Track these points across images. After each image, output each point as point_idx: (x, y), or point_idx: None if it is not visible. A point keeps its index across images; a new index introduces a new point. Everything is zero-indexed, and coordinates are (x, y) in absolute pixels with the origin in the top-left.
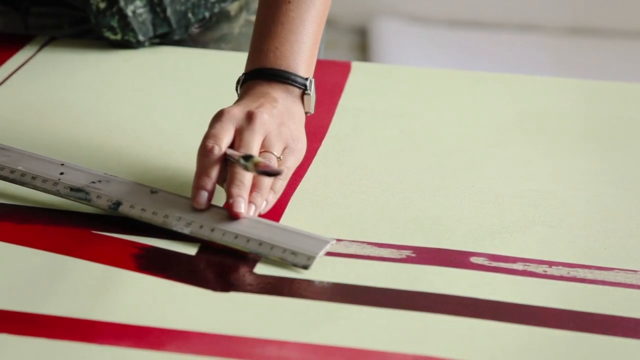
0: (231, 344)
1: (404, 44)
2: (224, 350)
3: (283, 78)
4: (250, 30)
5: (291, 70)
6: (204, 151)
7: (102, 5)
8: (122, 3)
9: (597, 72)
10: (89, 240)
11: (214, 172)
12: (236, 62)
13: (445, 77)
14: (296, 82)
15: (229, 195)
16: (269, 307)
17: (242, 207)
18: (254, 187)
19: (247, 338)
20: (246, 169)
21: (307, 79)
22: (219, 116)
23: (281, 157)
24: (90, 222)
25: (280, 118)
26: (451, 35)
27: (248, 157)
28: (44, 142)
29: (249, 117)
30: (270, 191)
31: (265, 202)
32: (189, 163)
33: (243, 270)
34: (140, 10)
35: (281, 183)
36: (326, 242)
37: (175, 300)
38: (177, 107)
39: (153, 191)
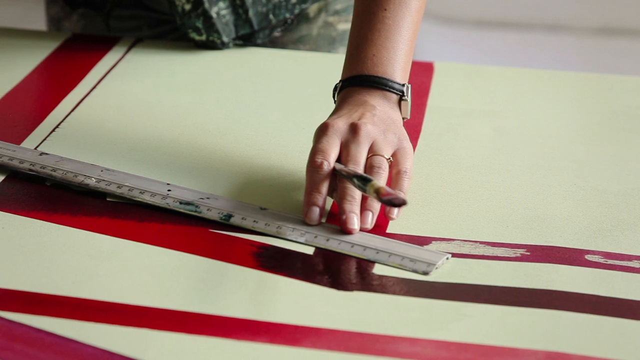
0: (364, 341)
1: (432, 44)
2: (357, 347)
3: (381, 85)
4: (328, 32)
5: (388, 77)
6: (314, 167)
7: (187, 6)
8: (206, 4)
9: (628, 73)
10: (207, 239)
11: (324, 188)
12: (317, 63)
13: (528, 76)
14: (394, 88)
15: (342, 211)
16: (393, 305)
17: (355, 223)
18: (364, 200)
19: (378, 335)
20: (363, 191)
21: (403, 85)
22: (324, 130)
23: (391, 158)
24: (206, 223)
25: (383, 125)
26: (479, 35)
27: (365, 180)
28: (143, 145)
29: (354, 129)
30: (399, 192)
31: (371, 215)
32: (290, 168)
33: (363, 270)
34: (223, 12)
35: (407, 183)
36: (443, 254)
37: (301, 298)
38: (267, 108)
39: (262, 208)
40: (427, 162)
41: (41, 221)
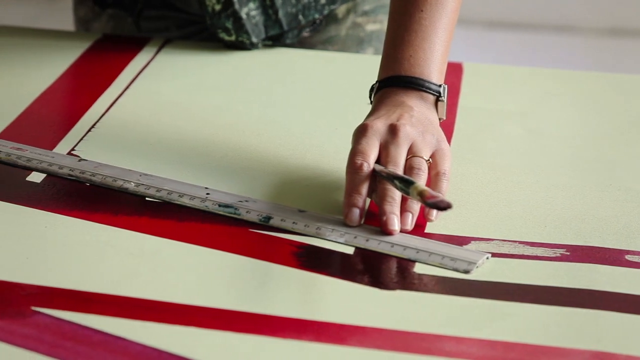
0: (409, 340)
1: None
2: (403, 346)
3: (418, 85)
4: (356, 32)
5: (425, 78)
6: (353, 168)
7: (217, 7)
8: (236, 5)
9: (637, 73)
10: (248, 238)
11: (364, 189)
12: (346, 63)
13: (555, 77)
14: (430, 89)
15: (382, 213)
16: (436, 304)
17: (395, 224)
18: (404, 201)
19: (423, 334)
20: (405, 193)
21: (440, 85)
22: (363, 131)
23: (430, 160)
24: (245, 223)
25: (421, 126)
26: (488, 36)
27: (407, 182)
28: (178, 145)
29: (393, 130)
30: (441, 195)
31: (411, 216)
32: (325, 168)
33: (404, 269)
34: (253, 13)
35: (446, 184)
36: (483, 254)
37: (344, 297)
38: (298, 108)
39: (301, 210)
40: (461, 163)
41: (83, 220)
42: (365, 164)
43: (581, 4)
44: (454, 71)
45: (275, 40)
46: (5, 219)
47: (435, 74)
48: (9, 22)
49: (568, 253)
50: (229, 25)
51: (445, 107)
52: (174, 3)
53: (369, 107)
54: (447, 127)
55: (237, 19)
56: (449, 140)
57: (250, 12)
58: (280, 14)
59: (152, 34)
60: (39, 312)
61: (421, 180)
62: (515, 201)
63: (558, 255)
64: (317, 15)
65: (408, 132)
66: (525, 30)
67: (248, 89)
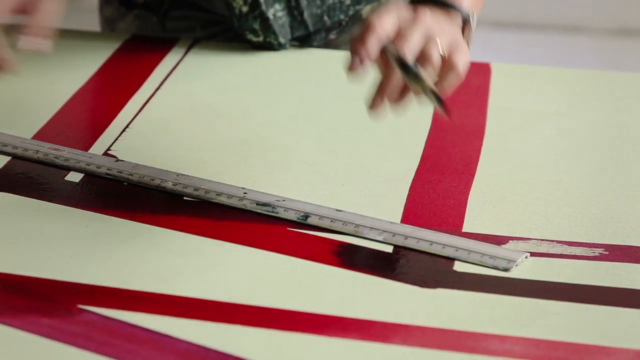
0: (453, 338)
1: None
2: (447, 344)
3: (446, 4)
4: None
5: (454, 2)
6: (370, 28)
7: (245, 8)
8: (263, 6)
9: None
10: (287, 237)
11: (374, 47)
12: None
13: (582, 77)
14: (461, 10)
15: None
16: (477, 302)
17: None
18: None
19: (467, 332)
20: (415, 81)
21: (470, 12)
22: (383, 8)
23: (445, 52)
24: (283, 221)
25: (444, 25)
26: (496, 36)
27: (417, 77)
28: (213, 145)
29: (414, 13)
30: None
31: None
32: (359, 168)
33: (443, 267)
34: (279, 14)
35: (456, 82)
36: (521, 252)
37: (385, 295)
38: (328, 108)
39: (338, 210)
40: (494, 162)
41: (122, 219)
42: (381, 28)
43: (588, 5)
44: (482, 71)
45: (302, 41)
46: (46, 218)
47: (466, 3)
48: None
49: (607, 252)
50: (256, 26)
51: (471, 36)
52: (198, 3)
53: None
54: (479, 127)
55: (264, 20)
56: (480, 140)
57: (276, 13)
58: (306, 14)
59: (176, 34)
60: (85, 310)
61: (431, 71)
62: (550, 201)
63: (597, 254)
64: (342, 16)
65: (428, 19)
66: (532, 30)
67: (277, 89)
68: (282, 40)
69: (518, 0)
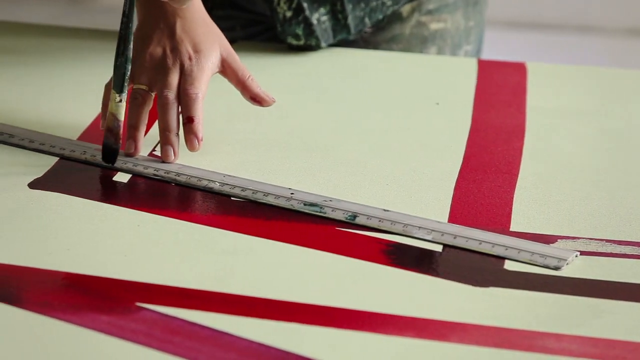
0: (511, 336)
1: None
2: (505, 342)
3: None
4: (421, 31)
5: None
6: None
7: (289, 13)
8: (307, 12)
9: None
10: (336, 237)
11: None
12: (410, 64)
13: (618, 76)
14: None
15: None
16: (531, 301)
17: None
18: None
19: (523, 330)
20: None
21: None
22: None
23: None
24: (330, 221)
25: None
26: (509, 36)
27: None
28: (256, 145)
29: None
30: None
31: None
32: (402, 167)
33: (494, 266)
34: (323, 18)
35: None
36: (571, 251)
37: (439, 294)
38: (368, 108)
39: (385, 210)
40: (537, 161)
41: (173, 219)
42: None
43: (600, 4)
44: (518, 71)
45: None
46: (99, 218)
47: None
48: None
49: None
50: (299, 31)
51: None
52: (240, 3)
53: (437, 107)
54: (519, 126)
55: (307, 25)
56: (521, 140)
57: (320, 18)
58: (350, 18)
59: None
60: (144, 308)
61: None
62: (596, 200)
63: None
64: (380, 17)
65: None
66: (544, 30)
67: (316, 89)
68: (323, 44)
69: (529, 0)
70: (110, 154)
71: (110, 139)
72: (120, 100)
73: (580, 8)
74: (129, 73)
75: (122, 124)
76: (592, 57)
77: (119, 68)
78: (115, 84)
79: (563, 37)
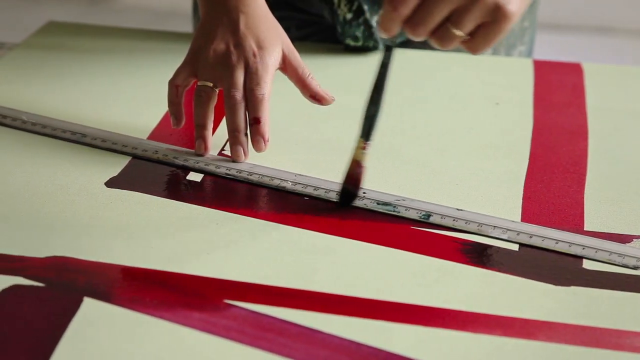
0: (597, 335)
1: None
2: (592, 341)
3: None
4: None
5: None
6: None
7: (349, 15)
8: (367, 14)
9: None
10: (412, 235)
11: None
12: (464, 64)
13: None
14: None
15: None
16: (613, 300)
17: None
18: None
19: (609, 329)
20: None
21: None
22: None
23: None
24: (404, 220)
25: None
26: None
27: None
28: (323, 145)
29: None
30: None
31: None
32: (470, 166)
33: (573, 265)
34: None
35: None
36: None
37: (520, 292)
38: (428, 108)
39: (458, 209)
40: (604, 161)
41: (249, 218)
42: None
43: (619, 5)
44: (574, 72)
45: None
46: (178, 216)
47: None
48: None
49: None
50: (358, 33)
51: None
52: (295, 4)
53: (497, 107)
54: (581, 126)
55: (368, 27)
56: (584, 140)
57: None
58: None
59: None
60: (233, 305)
61: None
62: None
63: None
64: None
65: None
66: (562, 31)
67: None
68: (380, 47)
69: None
70: (348, 198)
71: (350, 184)
72: (365, 148)
73: (598, 9)
74: (378, 123)
75: (364, 171)
76: (609, 58)
77: (370, 117)
78: (364, 131)
79: (579, 38)
